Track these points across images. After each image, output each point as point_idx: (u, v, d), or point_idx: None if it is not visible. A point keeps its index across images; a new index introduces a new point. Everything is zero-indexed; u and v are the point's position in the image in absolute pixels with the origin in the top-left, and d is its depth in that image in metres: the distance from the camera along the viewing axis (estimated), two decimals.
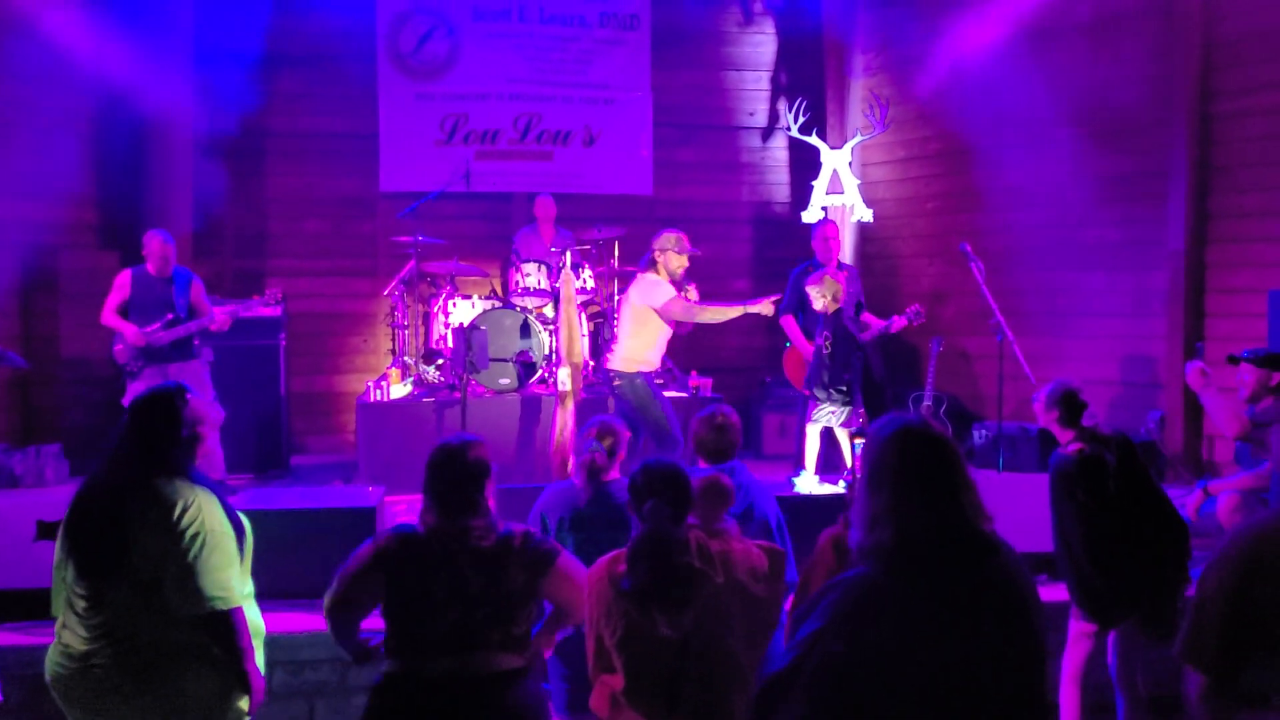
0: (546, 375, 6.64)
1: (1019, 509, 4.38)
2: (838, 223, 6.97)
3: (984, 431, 6.85)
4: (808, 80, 8.59)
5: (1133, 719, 3.73)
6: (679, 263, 5.54)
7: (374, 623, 2.69)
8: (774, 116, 8.78)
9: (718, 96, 8.77)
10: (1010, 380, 6.12)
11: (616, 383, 5.57)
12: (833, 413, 5.61)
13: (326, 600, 2.69)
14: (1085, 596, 3.66)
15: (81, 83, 6.72)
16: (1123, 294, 7.00)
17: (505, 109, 8.27)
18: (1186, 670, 2.09)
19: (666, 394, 6.06)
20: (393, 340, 7.43)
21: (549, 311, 6.83)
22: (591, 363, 7.03)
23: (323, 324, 8.01)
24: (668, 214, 8.45)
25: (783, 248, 8.43)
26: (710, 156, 8.74)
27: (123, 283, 5.78)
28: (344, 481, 6.40)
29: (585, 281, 6.94)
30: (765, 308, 5.56)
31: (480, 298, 7.10)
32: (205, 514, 2.59)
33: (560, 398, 5.90)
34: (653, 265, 5.54)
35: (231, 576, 2.61)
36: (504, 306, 6.75)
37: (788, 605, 2.87)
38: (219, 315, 5.78)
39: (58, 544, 2.66)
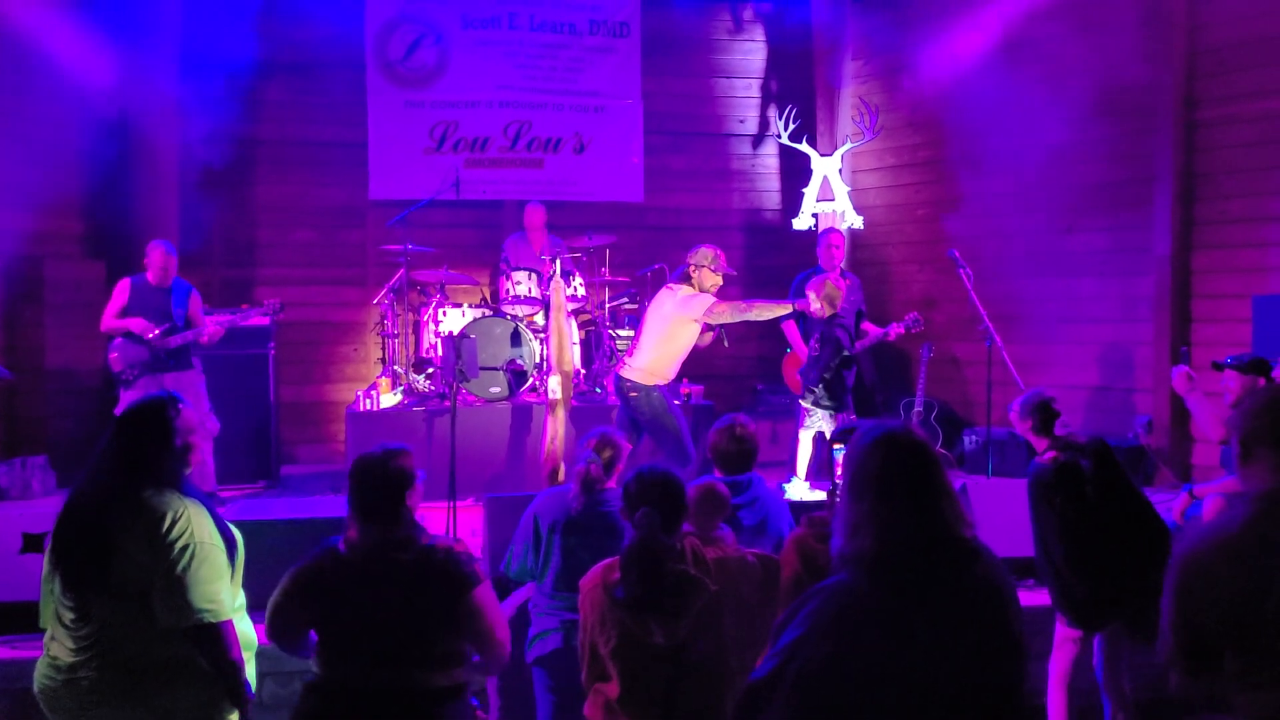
0: (537, 384, 6.63)
1: (1008, 514, 4.41)
2: (841, 232, 6.98)
3: (974, 437, 6.88)
4: (798, 87, 8.63)
5: None
6: (713, 281, 5.38)
7: None
8: (764, 124, 8.81)
9: (708, 104, 8.79)
10: (999, 386, 6.15)
11: (633, 394, 5.40)
12: (823, 419, 5.63)
13: (265, 630, 2.69)
14: (1067, 603, 3.68)
15: (67, 91, 6.67)
16: (1110, 300, 7.04)
17: (495, 116, 8.26)
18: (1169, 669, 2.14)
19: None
20: (382, 349, 7.41)
21: (539, 319, 6.81)
22: (582, 371, 7.03)
23: (312, 333, 7.97)
24: (658, 221, 8.49)
25: (774, 255, 8.45)
26: (701, 164, 8.76)
27: (122, 290, 5.84)
28: (334, 491, 6.37)
29: (576, 289, 6.93)
30: (815, 302, 5.43)
31: (470, 306, 7.10)
32: (195, 526, 2.57)
33: (551, 406, 5.89)
34: (686, 279, 5.39)
35: (221, 589, 2.59)
36: (494, 315, 6.74)
37: None
38: (209, 327, 5.82)
39: (45, 556, 2.64)
